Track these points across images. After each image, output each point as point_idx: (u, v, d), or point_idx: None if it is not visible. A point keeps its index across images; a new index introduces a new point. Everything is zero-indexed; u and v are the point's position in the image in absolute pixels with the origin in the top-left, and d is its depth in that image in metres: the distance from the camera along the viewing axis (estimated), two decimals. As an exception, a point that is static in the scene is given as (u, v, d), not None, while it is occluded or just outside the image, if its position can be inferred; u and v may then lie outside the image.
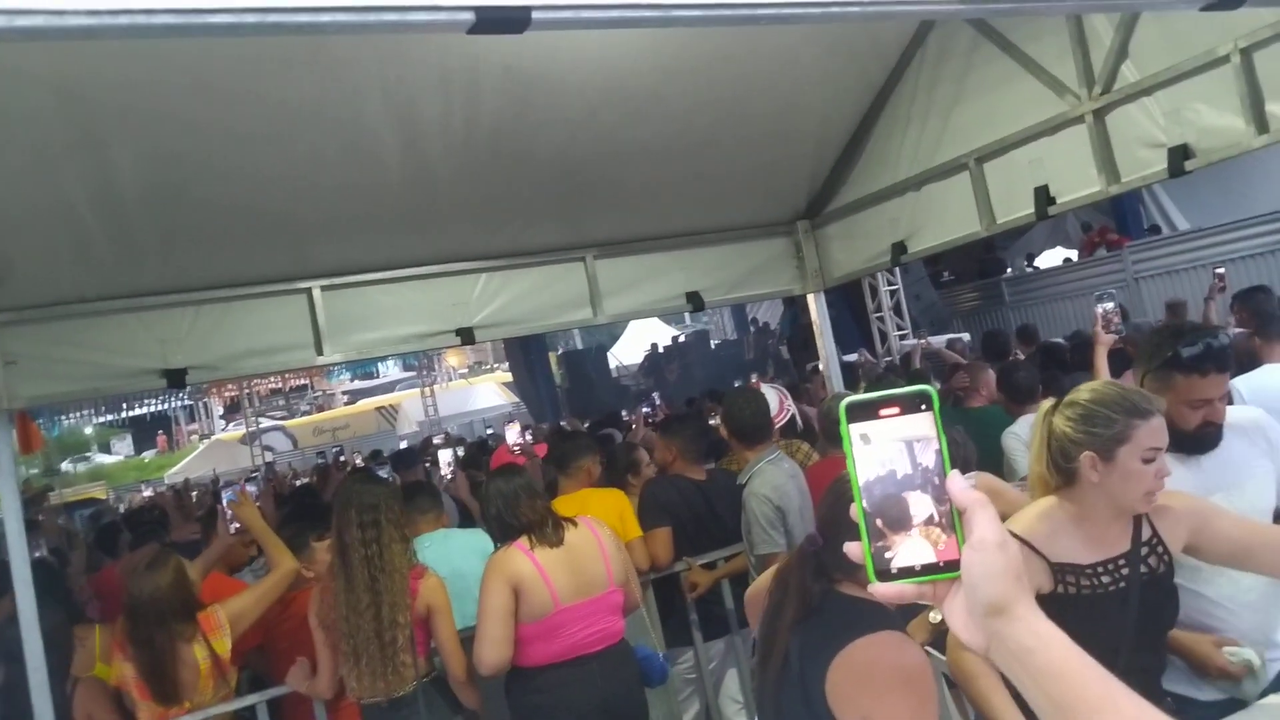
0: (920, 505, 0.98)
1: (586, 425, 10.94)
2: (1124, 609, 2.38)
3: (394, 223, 4.64)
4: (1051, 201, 4.44)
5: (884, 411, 0.98)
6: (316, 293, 4.71)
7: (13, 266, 3.90)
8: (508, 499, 3.77)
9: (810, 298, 6.01)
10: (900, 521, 0.98)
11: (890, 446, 0.98)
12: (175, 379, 4.39)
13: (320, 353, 4.71)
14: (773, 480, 4.20)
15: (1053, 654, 0.97)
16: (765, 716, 2.47)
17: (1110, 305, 4.39)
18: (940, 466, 0.98)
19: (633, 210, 5.25)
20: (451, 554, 4.41)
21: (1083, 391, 2.44)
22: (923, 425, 0.98)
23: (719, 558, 4.80)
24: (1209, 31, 3.70)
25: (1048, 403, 2.54)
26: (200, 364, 4.47)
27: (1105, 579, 2.39)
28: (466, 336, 5.01)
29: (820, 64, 4.74)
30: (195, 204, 4.09)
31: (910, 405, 0.98)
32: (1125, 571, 2.41)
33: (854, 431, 0.99)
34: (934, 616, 3.67)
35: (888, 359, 13.37)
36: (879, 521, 0.97)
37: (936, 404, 0.99)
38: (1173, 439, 2.65)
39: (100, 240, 4.02)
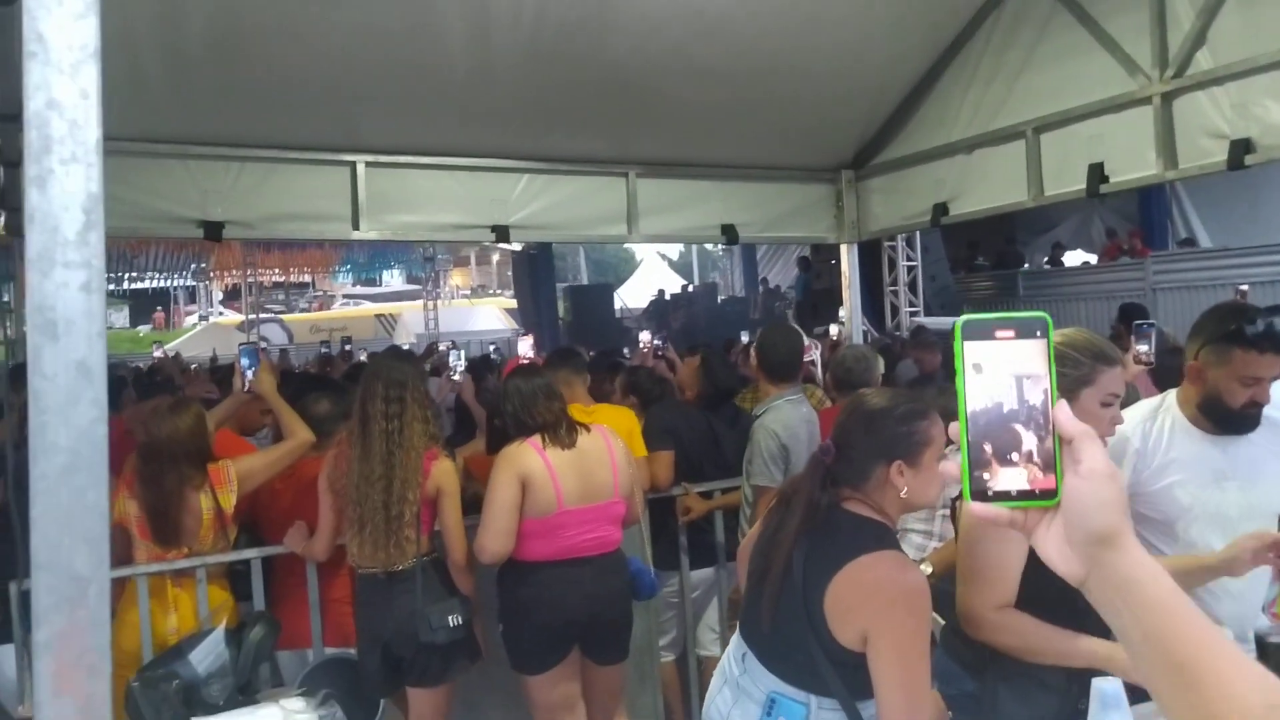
0: (1023, 432, 0.97)
1: (591, 356, 10.96)
2: None
3: (446, 109, 4.63)
4: (1104, 180, 4.44)
5: (1000, 334, 0.97)
6: (360, 167, 4.71)
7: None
8: (525, 398, 3.80)
9: (843, 248, 6.02)
10: (1001, 446, 0.97)
11: (999, 370, 0.97)
12: (212, 231, 4.40)
13: (357, 227, 4.73)
14: (785, 418, 4.25)
15: (1160, 588, 0.97)
16: (753, 632, 2.51)
17: (1144, 348, 4.32)
18: (1047, 396, 0.98)
19: (681, 133, 5.23)
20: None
21: (1054, 335, 2.49)
22: (1034, 353, 0.98)
23: (716, 488, 4.85)
24: (1293, 27, 3.69)
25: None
26: (238, 220, 4.48)
27: None
28: (502, 234, 5.02)
29: (893, 10, 4.72)
30: (254, 61, 4.08)
31: (1026, 331, 0.98)
32: None
33: (966, 350, 0.97)
34: (925, 569, 3.74)
35: (897, 333, 13.41)
36: (982, 444, 0.97)
37: (1051, 333, 1.00)
38: (1214, 415, 2.69)
39: (158, 83, 4.01)
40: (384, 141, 4.75)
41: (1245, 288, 8.29)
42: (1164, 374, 4.99)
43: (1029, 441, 0.97)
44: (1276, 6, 3.78)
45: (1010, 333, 0.98)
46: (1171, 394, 2.91)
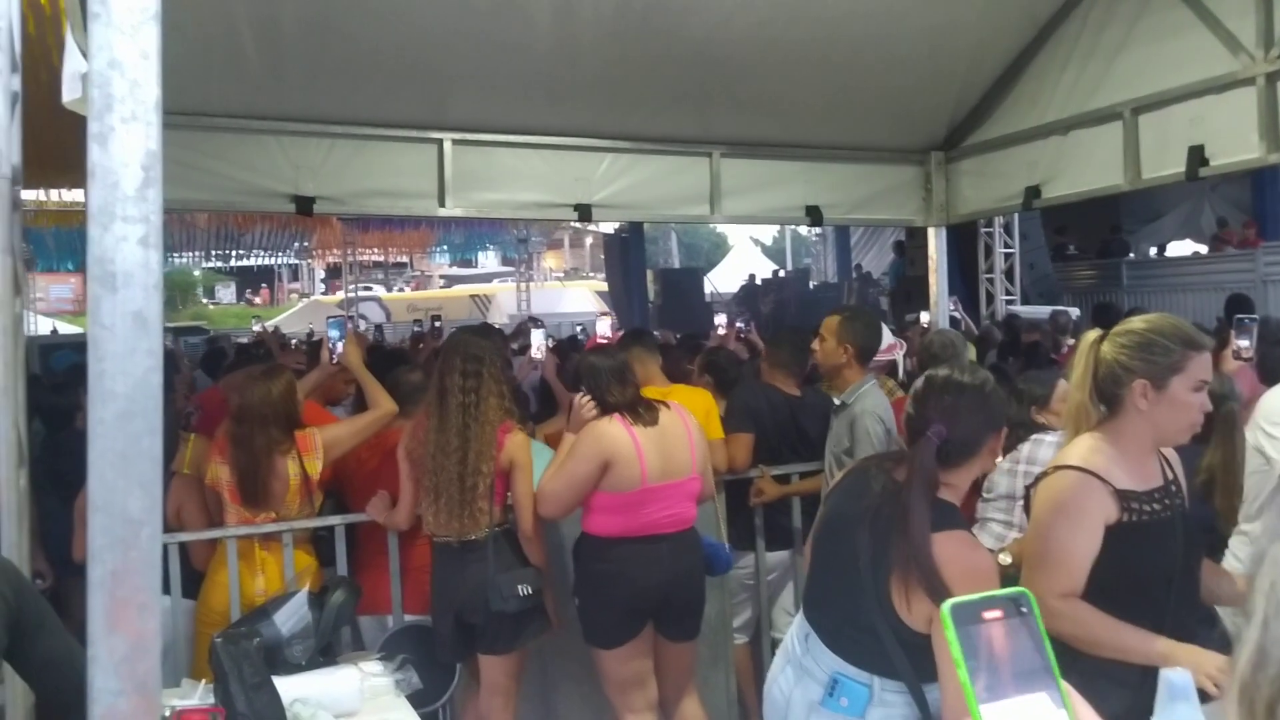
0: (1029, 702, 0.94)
1: (677, 339, 10.98)
2: (1174, 535, 2.41)
3: (531, 87, 4.67)
4: (1205, 163, 4.28)
5: (986, 614, 0.95)
6: (447, 145, 4.78)
7: (167, 70, 4.03)
8: (600, 376, 3.83)
9: (931, 232, 5.91)
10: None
11: (995, 649, 0.95)
12: (304, 206, 4.52)
13: (442, 204, 4.80)
14: (883, 403, 4.24)
15: None
16: (818, 612, 2.51)
17: (1245, 343, 4.16)
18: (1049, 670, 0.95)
19: (766, 112, 5.19)
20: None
21: (1137, 321, 2.47)
22: (1024, 629, 0.95)
23: (794, 472, 4.82)
24: None
25: (1094, 333, 2.54)
26: (329, 195, 4.60)
27: (1157, 506, 2.41)
28: (584, 213, 5.05)
29: (986, -12, 4.61)
30: (345, 38, 4.17)
31: (1011, 609, 0.96)
32: (1168, 501, 2.45)
33: (960, 634, 0.95)
34: (1004, 559, 3.68)
35: (987, 321, 13.13)
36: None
37: (1036, 608, 0.97)
38: None
39: (252, 60, 4.13)
40: (470, 119, 4.81)
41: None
42: (1271, 365, 4.81)
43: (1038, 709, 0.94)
44: (1393, -21, 3.60)
45: (997, 613, 0.96)
46: None
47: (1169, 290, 14.55)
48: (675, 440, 3.81)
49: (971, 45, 5.02)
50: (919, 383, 2.51)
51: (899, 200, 5.82)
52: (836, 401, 4.33)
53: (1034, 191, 5.16)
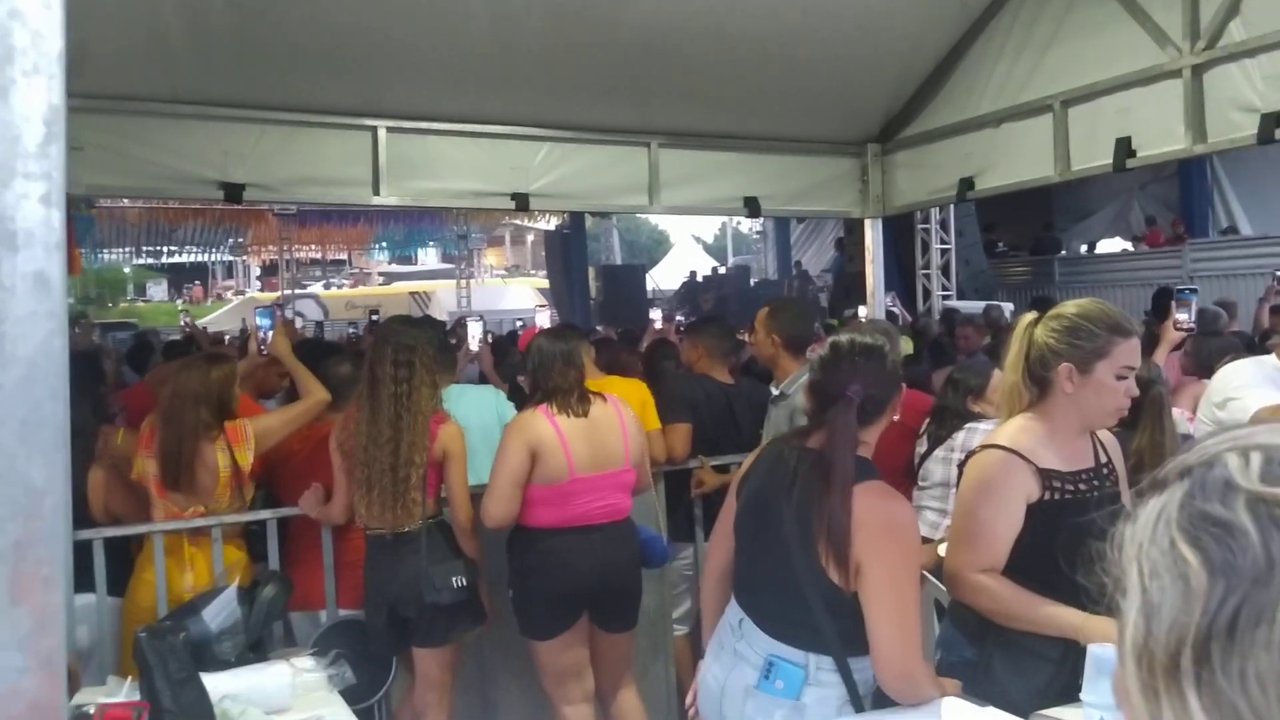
0: None
1: (618, 334, 10.97)
2: (1100, 509, 2.44)
3: (467, 74, 4.62)
4: (1132, 154, 4.36)
5: None
6: (382, 132, 4.71)
7: (90, 53, 3.92)
8: (545, 359, 3.81)
9: (867, 224, 5.96)
10: None
11: None
12: (233, 193, 4.42)
13: (377, 193, 4.73)
14: None
15: None
16: (750, 596, 2.52)
17: (1184, 316, 4.29)
18: None
19: (704, 103, 5.19)
20: (466, 410, 4.46)
21: (1069, 306, 2.53)
22: None
23: (734, 462, 4.83)
24: (1329, -4, 3.60)
25: (1029, 316, 2.59)
26: (259, 183, 4.50)
27: (1082, 486, 2.46)
28: (522, 202, 5.01)
29: (921, -19, 4.65)
30: (277, 23, 4.09)
31: None
32: (1094, 482, 2.51)
33: None
34: (943, 550, 3.73)
35: (926, 316, 13.31)
36: None
37: None
38: None
39: (179, 43, 4.03)
40: (406, 107, 4.74)
41: (1283, 274, 8.16)
42: (1204, 356, 4.93)
43: None
44: (1312, -24, 3.70)
45: None
46: None
47: (1099, 286, 14.88)
48: (606, 431, 3.80)
49: (906, 38, 5.07)
50: (825, 350, 2.53)
51: (836, 192, 5.85)
52: (775, 392, 4.35)
53: (968, 183, 5.22)
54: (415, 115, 4.81)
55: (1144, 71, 4.29)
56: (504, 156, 5.03)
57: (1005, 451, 2.43)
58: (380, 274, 38.72)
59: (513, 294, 29.38)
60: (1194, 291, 4.38)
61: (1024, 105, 4.87)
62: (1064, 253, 17.05)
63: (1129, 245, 17.32)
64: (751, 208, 5.54)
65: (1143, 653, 0.64)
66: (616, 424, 3.84)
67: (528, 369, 3.89)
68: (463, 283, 27.36)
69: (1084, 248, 18.01)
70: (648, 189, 5.33)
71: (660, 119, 5.27)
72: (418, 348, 3.80)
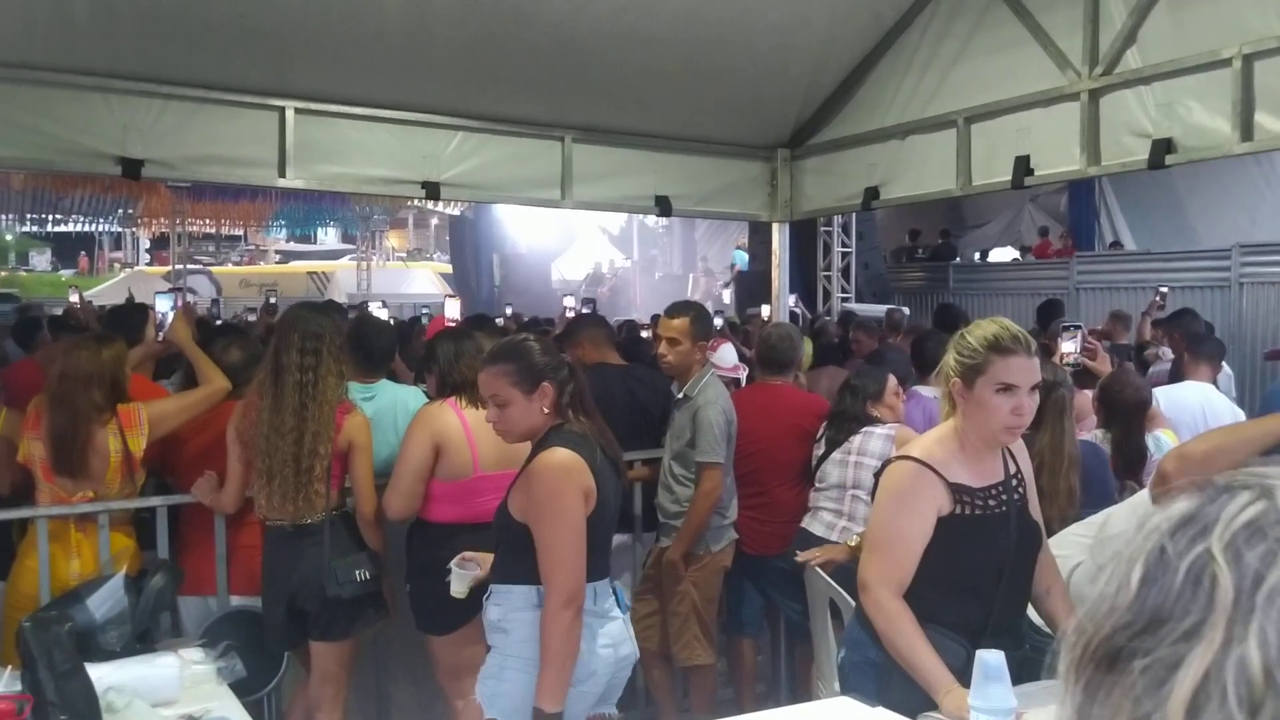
0: None
1: (520, 323, 10.93)
2: (1007, 531, 2.55)
3: (381, 59, 4.55)
4: (1030, 173, 4.52)
5: None
6: (290, 113, 4.61)
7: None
8: (451, 356, 3.77)
9: (775, 228, 6.05)
10: None
11: None
12: (131, 169, 4.27)
13: (283, 174, 4.62)
14: (725, 394, 4.37)
15: None
16: None
17: (1070, 348, 4.45)
18: None
19: (620, 100, 5.21)
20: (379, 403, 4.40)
21: (973, 325, 2.61)
22: None
23: (636, 459, 4.85)
24: (1218, 31, 3.78)
25: (952, 339, 2.68)
26: (159, 159, 4.35)
27: (991, 502, 2.54)
28: (432, 191, 4.96)
29: (836, -9, 4.74)
30: (183, -6, 3.97)
31: None
32: (1004, 497, 2.59)
33: None
34: (853, 540, 3.82)
35: (827, 317, 13.53)
36: None
37: None
38: None
39: (81, 13, 3.87)
40: (315, 88, 4.65)
41: (1166, 290, 8.50)
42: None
43: None
44: (1205, 8, 3.87)
45: None
46: None
47: (990, 294, 15.31)
48: None
49: (818, 46, 5.16)
50: None
51: (746, 195, 5.93)
52: (679, 394, 4.38)
53: (873, 192, 5.34)
54: (325, 97, 4.72)
55: (1044, 93, 4.44)
56: (416, 144, 4.97)
57: (917, 464, 2.49)
58: (277, 251, 37.71)
59: (415, 278, 28.97)
60: (1078, 327, 4.54)
61: (929, 119, 5.00)
62: (959, 260, 17.50)
63: (1019, 255, 17.85)
64: (663, 207, 5.58)
65: (1075, 629, 0.67)
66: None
67: (435, 362, 3.84)
68: (363, 265, 26.85)
69: (977, 255, 18.51)
70: (560, 183, 5.32)
71: (575, 114, 5.27)
72: (325, 336, 3.71)
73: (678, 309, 4.46)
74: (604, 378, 4.79)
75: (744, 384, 5.79)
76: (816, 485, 4.44)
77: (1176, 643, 0.60)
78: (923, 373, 5.18)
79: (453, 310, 6.03)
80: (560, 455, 2.70)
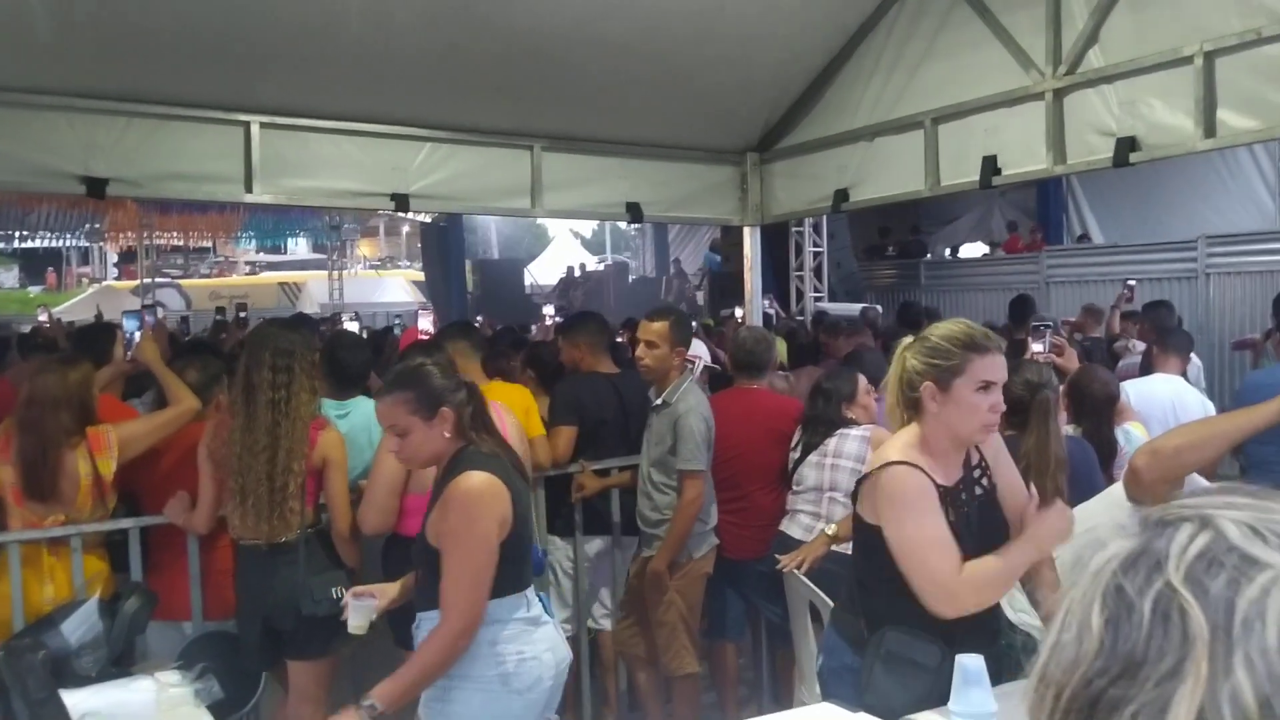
0: None
1: (496, 331, 10.90)
2: (968, 528, 2.55)
3: (347, 71, 4.53)
4: (997, 172, 4.56)
5: None
6: (255, 128, 4.58)
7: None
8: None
9: (746, 231, 6.07)
10: None
11: None
12: (96, 189, 4.22)
13: (250, 190, 4.59)
14: (704, 400, 4.37)
15: None
16: None
17: (1039, 348, 4.48)
18: None
19: (588, 108, 5.21)
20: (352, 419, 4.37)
21: (935, 327, 2.62)
22: None
23: (615, 465, 4.85)
24: (1179, 30, 3.82)
25: (906, 340, 2.68)
26: (124, 178, 4.31)
27: (962, 499, 2.56)
28: (401, 203, 4.94)
29: (800, -4, 4.76)
30: (146, 10, 3.93)
31: None
32: (965, 495, 2.60)
33: None
34: (829, 529, 3.84)
35: (800, 318, 13.57)
36: None
37: None
38: None
39: (43, 32, 3.82)
40: (281, 102, 4.62)
41: (1133, 283, 8.60)
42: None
43: None
44: (1166, 7, 3.91)
45: None
46: None
47: (962, 290, 15.41)
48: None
49: (784, 51, 5.18)
50: None
51: (716, 199, 5.94)
52: (657, 401, 4.38)
53: (842, 195, 5.37)
54: (290, 111, 4.69)
55: (1010, 93, 4.47)
56: (383, 156, 4.95)
57: (907, 466, 2.49)
58: (247, 263, 37.48)
59: (387, 286, 28.89)
60: (1049, 326, 4.58)
61: (897, 120, 5.03)
62: (929, 256, 17.60)
63: (989, 250, 17.97)
64: (634, 213, 5.59)
65: (1038, 680, 0.66)
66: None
67: None
68: (334, 274, 26.71)
69: (948, 251, 18.62)
70: (530, 192, 5.31)
71: (543, 122, 5.27)
72: (296, 352, 3.69)
73: (658, 313, 4.48)
74: (595, 387, 4.80)
75: (699, 377, 5.83)
76: (794, 488, 4.45)
77: (1160, 684, 0.59)
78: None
79: (425, 322, 5.99)
80: (476, 480, 2.71)
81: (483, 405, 2.92)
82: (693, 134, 5.70)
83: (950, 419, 2.52)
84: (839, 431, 4.34)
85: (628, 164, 5.61)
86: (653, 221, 6.04)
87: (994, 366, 2.52)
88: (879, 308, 12.12)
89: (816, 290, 14.68)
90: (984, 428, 2.54)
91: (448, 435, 2.79)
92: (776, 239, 14.11)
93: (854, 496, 2.71)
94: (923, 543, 2.46)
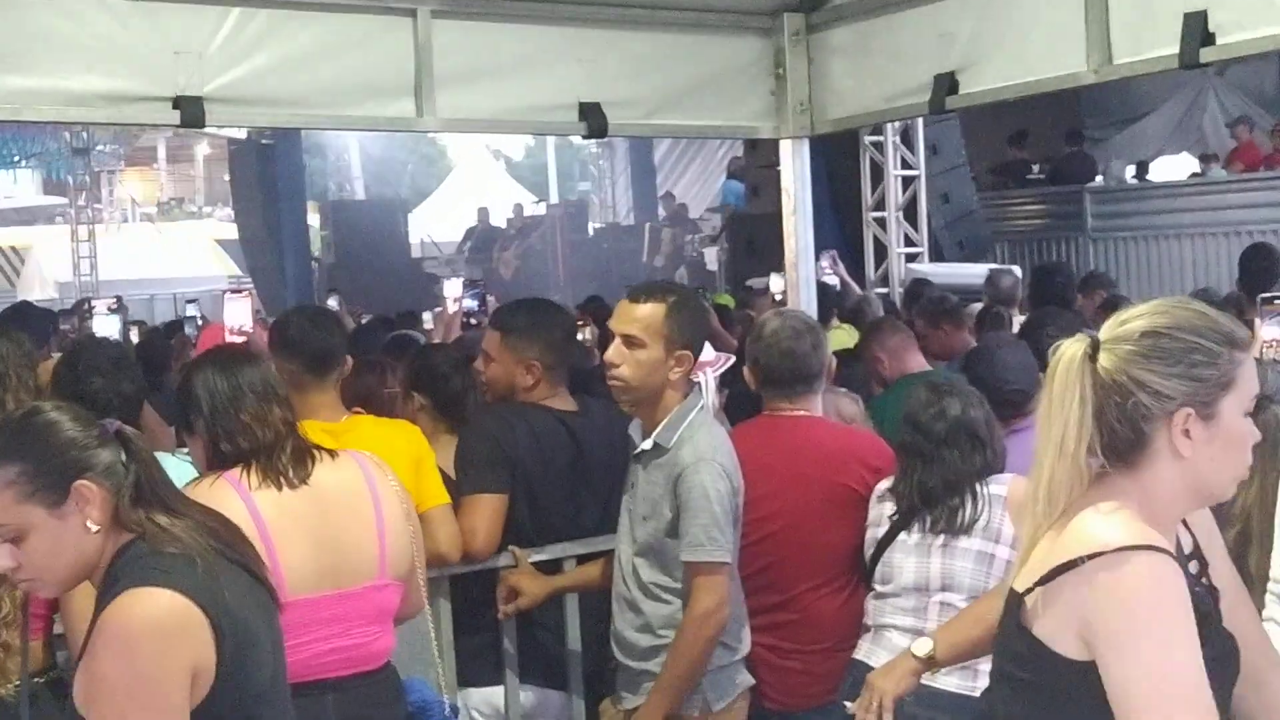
0: None
1: (362, 322, 10.91)
2: (1216, 623, 2.58)
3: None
4: (1209, 39, 4.57)
5: None
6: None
7: None
8: (226, 398, 3.75)
9: (786, 147, 6.08)
10: None
11: None
12: None
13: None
14: (724, 441, 4.36)
15: None
16: None
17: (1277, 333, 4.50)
18: None
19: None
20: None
21: (1140, 318, 2.56)
22: None
23: (570, 555, 4.85)
24: None
25: (1074, 346, 2.62)
26: None
27: (1202, 611, 2.55)
28: (191, 114, 4.93)
29: None
30: None
31: None
32: (1207, 602, 2.59)
33: None
34: (920, 647, 3.87)
35: (882, 289, 13.58)
36: None
37: None
38: None
39: None
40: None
41: None
42: None
43: None
44: None
45: None
46: None
47: (1157, 235, 15.45)
48: (345, 514, 3.74)
49: None
50: None
51: (733, 93, 5.97)
52: (645, 444, 4.37)
53: (948, 83, 5.38)
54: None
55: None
56: (159, 31, 4.96)
57: (1159, 554, 2.46)
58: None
59: (178, 250, 28.96)
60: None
61: (1038, -43, 5.06)
62: (1099, 180, 17.58)
63: (1200, 168, 17.97)
64: (592, 122, 5.61)
65: None
66: (365, 501, 3.79)
67: (197, 409, 3.80)
68: (82, 230, 26.71)
69: (1130, 171, 18.62)
70: (414, 88, 5.33)
71: (432, -32, 5.28)
72: (9, 373, 3.74)
73: (648, 290, 4.44)
74: (534, 423, 4.80)
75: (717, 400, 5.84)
76: (877, 588, 4.47)
77: None
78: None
79: (237, 314, 5.98)
80: (144, 606, 2.71)
81: (152, 466, 2.92)
82: (691, -18, 5.73)
83: (1204, 465, 2.52)
84: (991, 491, 4.36)
85: (581, 36, 5.64)
86: (626, 135, 6.04)
87: (1255, 371, 2.56)
88: (1017, 271, 12.12)
89: (909, 242, 14.70)
90: (1237, 477, 2.56)
91: (93, 528, 2.78)
92: (841, 157, 14.11)
93: (1015, 603, 2.68)
94: (1176, 687, 2.42)
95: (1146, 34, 4.79)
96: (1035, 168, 17.95)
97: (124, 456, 2.82)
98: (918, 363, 6.36)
